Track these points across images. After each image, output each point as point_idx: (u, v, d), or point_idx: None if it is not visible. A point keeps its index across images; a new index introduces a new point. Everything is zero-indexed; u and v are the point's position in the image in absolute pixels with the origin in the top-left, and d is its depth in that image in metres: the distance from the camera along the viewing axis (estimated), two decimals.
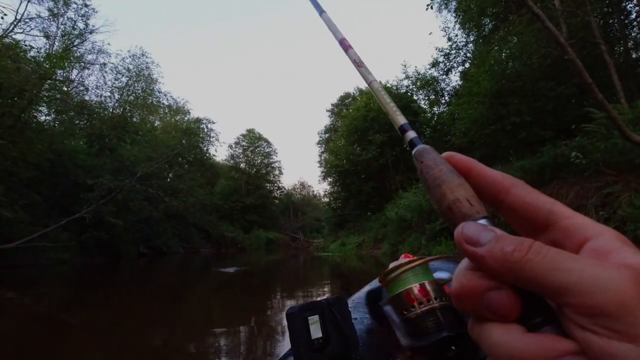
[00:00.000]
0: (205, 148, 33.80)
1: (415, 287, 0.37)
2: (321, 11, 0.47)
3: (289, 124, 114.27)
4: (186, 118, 35.50)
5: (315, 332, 0.72)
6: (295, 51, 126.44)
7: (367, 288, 1.00)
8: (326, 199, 34.21)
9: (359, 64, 0.37)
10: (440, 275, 0.68)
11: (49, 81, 14.73)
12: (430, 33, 20.66)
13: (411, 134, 0.29)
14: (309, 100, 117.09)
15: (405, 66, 23.19)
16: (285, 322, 0.75)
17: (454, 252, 11.33)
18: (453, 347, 0.31)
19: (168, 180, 23.54)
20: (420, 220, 13.40)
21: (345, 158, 23.02)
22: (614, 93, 9.92)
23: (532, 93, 10.73)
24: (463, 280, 0.21)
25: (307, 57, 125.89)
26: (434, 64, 20.21)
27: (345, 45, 0.40)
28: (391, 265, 0.43)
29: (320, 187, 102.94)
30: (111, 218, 15.51)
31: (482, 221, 0.22)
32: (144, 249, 23.26)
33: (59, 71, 19.91)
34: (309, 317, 0.73)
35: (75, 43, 19.79)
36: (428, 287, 0.36)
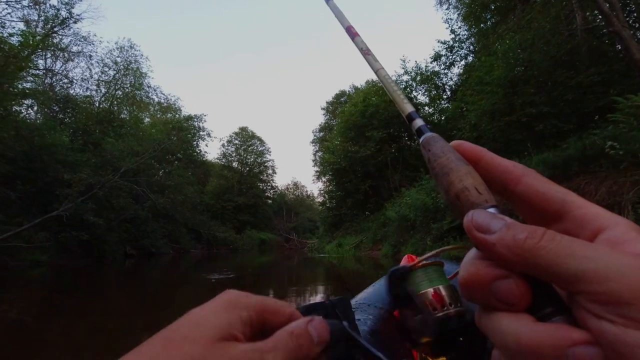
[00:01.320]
0: (195, 143, 32.36)
1: (429, 293, 0.35)
2: None
3: (282, 122, 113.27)
4: (177, 116, 34.20)
5: None
6: (289, 48, 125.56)
7: (370, 288, 0.97)
8: (321, 199, 33.31)
9: (365, 52, 0.36)
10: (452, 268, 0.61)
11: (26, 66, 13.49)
12: (445, 8, 19.43)
13: (419, 122, 0.28)
14: (303, 99, 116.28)
15: (404, 61, 22.27)
16: None
17: (464, 254, 10.50)
18: (460, 339, 0.30)
19: (156, 178, 22.46)
20: (426, 220, 12.59)
21: (343, 155, 22.14)
22: (635, 83, 9.23)
23: (548, 82, 9.97)
24: (472, 268, 0.20)
25: (302, 55, 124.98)
26: (436, 57, 19.44)
27: (352, 33, 0.39)
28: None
29: (314, 187, 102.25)
30: (91, 216, 14.36)
31: (491, 210, 0.21)
32: (130, 249, 22.27)
33: (39, 61, 18.77)
34: None
35: (55, 29, 18.55)
36: (443, 292, 0.34)
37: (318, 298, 6.31)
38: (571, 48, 10.33)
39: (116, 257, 20.36)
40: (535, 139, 9.74)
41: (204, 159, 38.47)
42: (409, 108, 0.29)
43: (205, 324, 0.21)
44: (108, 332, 4.44)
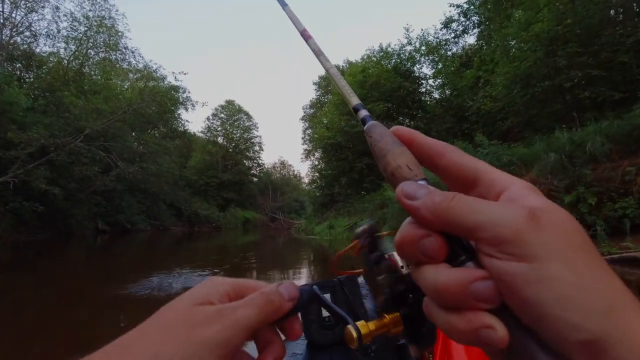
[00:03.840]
0: (174, 108, 29.21)
1: (396, 254, 0.37)
2: (284, 4, 0.48)
3: (269, 98, 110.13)
4: (160, 84, 31.20)
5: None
6: (280, 20, 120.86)
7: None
8: (311, 177, 31.69)
9: (318, 53, 0.41)
10: None
11: None
12: None
13: (363, 112, 0.33)
14: (293, 74, 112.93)
15: (407, 30, 20.44)
16: None
17: None
18: (410, 295, 0.35)
19: (134, 146, 20.27)
20: None
21: (338, 130, 20.38)
22: None
23: (595, 42, 8.36)
24: (404, 231, 0.25)
25: (293, 27, 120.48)
26: (448, 23, 17.61)
27: (306, 36, 0.43)
28: (357, 230, 0.44)
29: (302, 167, 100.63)
30: (42, 184, 12.26)
31: (421, 182, 0.26)
32: (103, 225, 20.59)
33: None
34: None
35: None
36: (395, 256, 0.37)
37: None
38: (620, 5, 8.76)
39: (85, 233, 18.71)
40: (573, 110, 8.22)
41: (186, 129, 35.78)
42: (355, 101, 0.33)
43: (186, 296, 0.29)
44: (61, 316, 4.01)
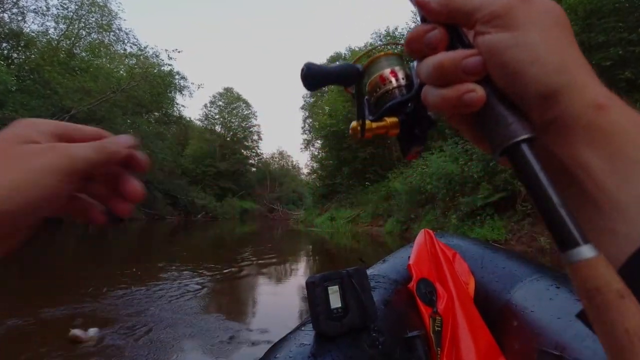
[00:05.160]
0: (170, 94, 27.79)
1: (387, 71, 0.41)
2: None
3: (268, 86, 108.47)
4: (156, 71, 29.80)
5: (335, 301, 0.74)
6: (279, 7, 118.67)
7: (385, 261, 1.14)
8: (310, 167, 30.78)
9: None
10: None
11: None
12: None
13: None
14: (293, 61, 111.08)
15: (416, 14, 19.37)
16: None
17: (505, 238, 8.54)
18: (409, 104, 0.38)
19: (123, 128, 19.30)
20: (449, 193, 10.31)
21: (342, 117, 19.48)
22: None
23: (636, 16, 7.49)
24: (413, 30, 0.29)
25: (292, 12, 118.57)
26: None
27: None
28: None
29: (300, 158, 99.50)
30: None
31: None
32: None
33: None
34: (329, 287, 0.75)
35: None
36: (398, 72, 0.41)
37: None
38: None
39: (75, 221, 17.94)
40: (616, 92, 7.34)
41: (181, 115, 34.40)
42: None
43: (3, 137, 0.26)
44: (42, 310, 3.65)
